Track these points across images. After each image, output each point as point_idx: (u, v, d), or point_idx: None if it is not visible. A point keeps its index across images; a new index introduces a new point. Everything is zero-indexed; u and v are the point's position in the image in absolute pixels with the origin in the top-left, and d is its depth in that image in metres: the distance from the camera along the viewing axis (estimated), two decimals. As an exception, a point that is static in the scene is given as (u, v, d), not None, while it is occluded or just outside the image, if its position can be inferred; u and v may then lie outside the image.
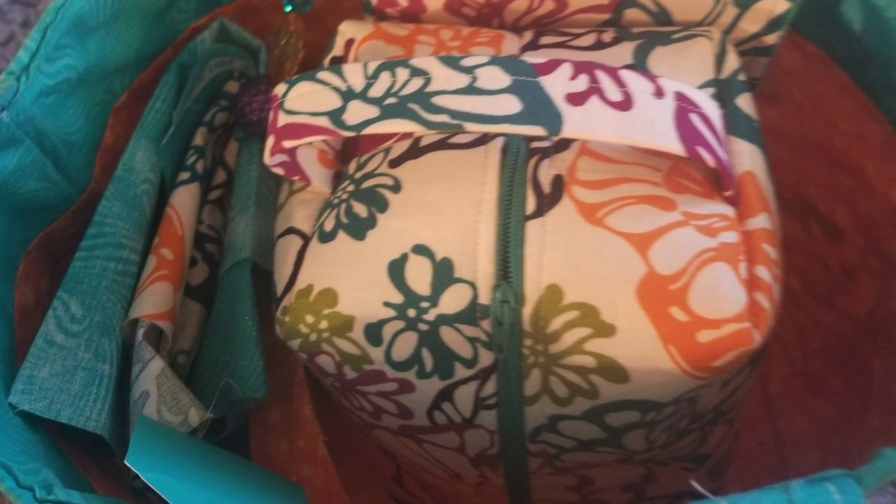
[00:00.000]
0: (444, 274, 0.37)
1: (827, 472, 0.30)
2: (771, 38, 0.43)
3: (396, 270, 0.37)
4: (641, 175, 0.38)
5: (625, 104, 0.36)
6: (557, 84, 0.36)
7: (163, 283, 0.45)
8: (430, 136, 0.40)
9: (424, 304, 0.37)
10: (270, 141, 0.39)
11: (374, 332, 0.38)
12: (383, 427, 0.44)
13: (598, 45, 0.42)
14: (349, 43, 0.45)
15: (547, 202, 0.37)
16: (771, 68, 0.46)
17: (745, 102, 0.41)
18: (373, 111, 0.37)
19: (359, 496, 0.58)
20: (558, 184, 0.37)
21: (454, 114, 0.36)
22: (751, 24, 0.43)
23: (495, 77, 0.36)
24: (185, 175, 0.49)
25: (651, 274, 0.36)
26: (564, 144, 0.39)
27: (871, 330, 0.50)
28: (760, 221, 0.38)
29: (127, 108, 0.50)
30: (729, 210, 0.38)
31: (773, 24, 0.43)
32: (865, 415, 0.49)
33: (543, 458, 0.43)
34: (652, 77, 0.37)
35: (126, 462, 0.34)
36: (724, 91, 0.41)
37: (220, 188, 0.51)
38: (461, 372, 0.39)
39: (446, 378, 0.39)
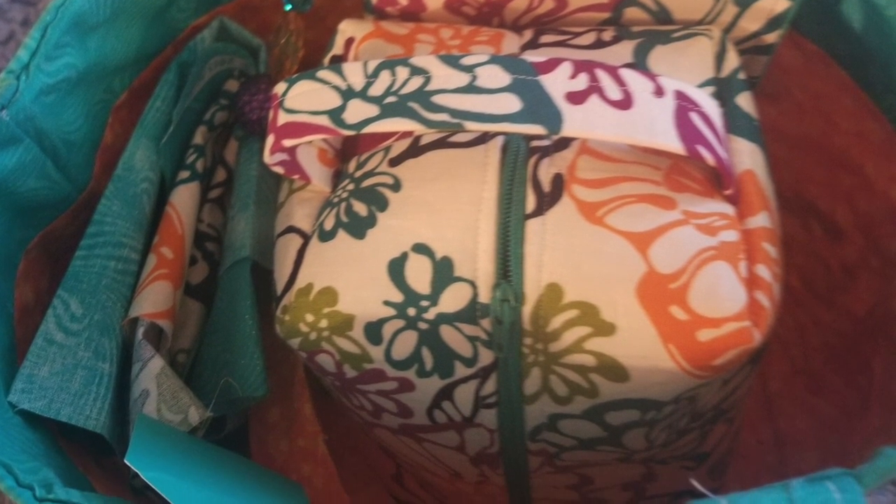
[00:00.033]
0: (443, 273, 0.37)
1: (827, 471, 0.30)
2: (771, 37, 0.43)
3: (396, 269, 0.37)
4: (641, 174, 0.38)
5: (625, 103, 0.36)
6: (557, 83, 0.36)
7: (163, 281, 0.45)
8: (429, 135, 0.40)
9: (424, 303, 0.37)
10: (270, 139, 0.39)
11: (373, 330, 0.38)
12: (383, 426, 0.44)
13: (598, 44, 0.42)
14: (349, 42, 0.45)
15: (547, 201, 0.37)
16: (771, 67, 0.46)
17: (745, 101, 0.41)
18: (373, 110, 0.37)
19: (359, 495, 0.58)
20: (558, 182, 0.37)
21: (454, 112, 0.36)
22: (751, 23, 0.43)
23: (495, 76, 0.36)
24: (184, 174, 0.49)
25: (651, 273, 0.36)
26: (564, 143, 0.39)
27: (871, 328, 0.50)
28: (760, 220, 0.38)
29: (127, 107, 0.50)
30: (729, 209, 0.38)
31: (773, 23, 0.43)
32: (865, 413, 0.49)
33: (543, 456, 0.43)
34: (652, 76, 0.37)
35: (126, 461, 0.34)
36: (724, 90, 0.41)
37: (219, 187, 0.51)
38: (461, 371, 0.39)
39: (446, 377, 0.39)
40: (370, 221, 0.38)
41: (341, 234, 0.39)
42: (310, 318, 0.38)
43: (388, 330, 0.38)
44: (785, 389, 0.59)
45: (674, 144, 0.36)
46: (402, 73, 0.37)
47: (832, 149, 0.50)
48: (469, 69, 0.37)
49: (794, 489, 0.29)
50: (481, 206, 0.37)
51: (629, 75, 0.37)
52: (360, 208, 0.39)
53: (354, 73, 0.38)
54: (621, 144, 0.39)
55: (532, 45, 0.43)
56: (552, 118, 0.35)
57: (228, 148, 0.52)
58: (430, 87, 0.37)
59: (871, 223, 0.49)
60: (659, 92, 0.37)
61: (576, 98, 0.36)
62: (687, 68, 0.41)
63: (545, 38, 0.43)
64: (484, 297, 0.36)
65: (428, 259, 0.37)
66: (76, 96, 0.46)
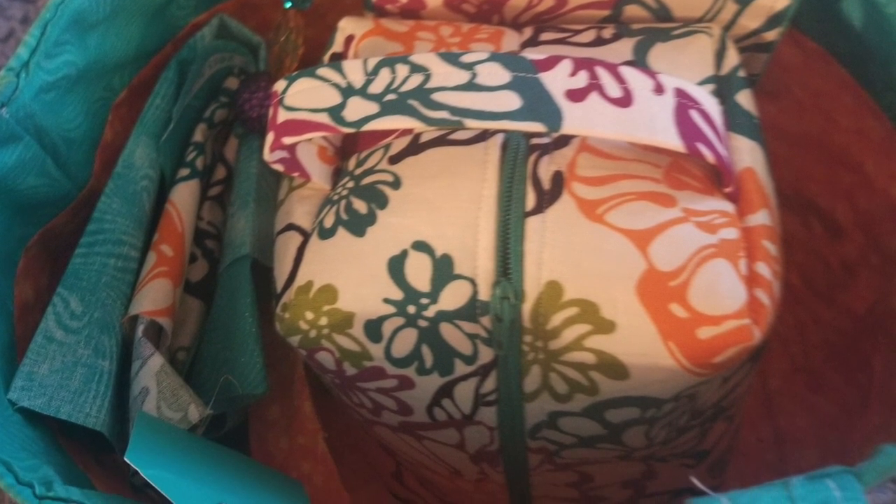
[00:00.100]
0: (443, 270, 0.37)
1: (827, 469, 0.30)
2: (771, 35, 0.43)
3: (396, 267, 0.37)
4: (641, 171, 0.38)
5: (625, 100, 0.36)
6: (557, 80, 0.36)
7: (162, 279, 0.45)
8: (429, 133, 0.40)
9: (424, 301, 0.37)
10: (270, 137, 0.39)
11: (373, 328, 0.38)
12: (383, 423, 0.44)
13: (598, 42, 0.42)
14: (349, 39, 0.45)
15: (547, 199, 0.37)
16: (771, 65, 0.46)
17: (744, 99, 0.41)
18: (372, 107, 0.37)
19: (358, 493, 0.58)
20: (558, 180, 0.37)
21: (454, 110, 0.36)
22: (751, 21, 0.43)
23: (495, 73, 0.36)
24: (184, 171, 0.49)
25: (651, 270, 0.36)
26: (564, 141, 0.39)
27: (871, 326, 0.50)
28: (760, 218, 0.38)
29: (126, 105, 0.50)
30: (729, 206, 0.38)
31: (773, 21, 0.43)
32: (865, 411, 0.49)
33: (543, 454, 0.43)
34: (652, 73, 0.37)
35: (126, 459, 0.34)
36: (724, 87, 0.41)
37: (219, 185, 0.51)
38: (461, 368, 0.39)
39: (446, 375, 0.39)
40: (370, 219, 0.38)
41: (341, 232, 0.39)
42: (310, 315, 0.38)
43: (387, 328, 0.38)
44: (785, 387, 0.60)
45: (674, 142, 0.36)
46: (402, 70, 0.37)
47: (832, 146, 0.50)
48: (469, 67, 0.37)
49: (794, 487, 0.29)
50: (481, 203, 0.37)
51: (629, 73, 0.37)
52: (360, 206, 0.39)
53: (354, 71, 0.38)
54: (621, 142, 0.39)
55: (532, 42, 0.43)
56: (552, 116, 0.35)
57: (228, 145, 0.52)
58: (429, 85, 0.37)
59: (871, 221, 0.49)
60: (659, 89, 0.37)
61: (576, 96, 0.36)
62: (687, 66, 0.41)
63: (545, 36, 0.43)
64: (484, 294, 0.36)
65: (428, 257, 0.37)
66: (76, 94, 0.46)
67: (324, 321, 0.38)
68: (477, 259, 0.37)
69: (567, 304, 0.36)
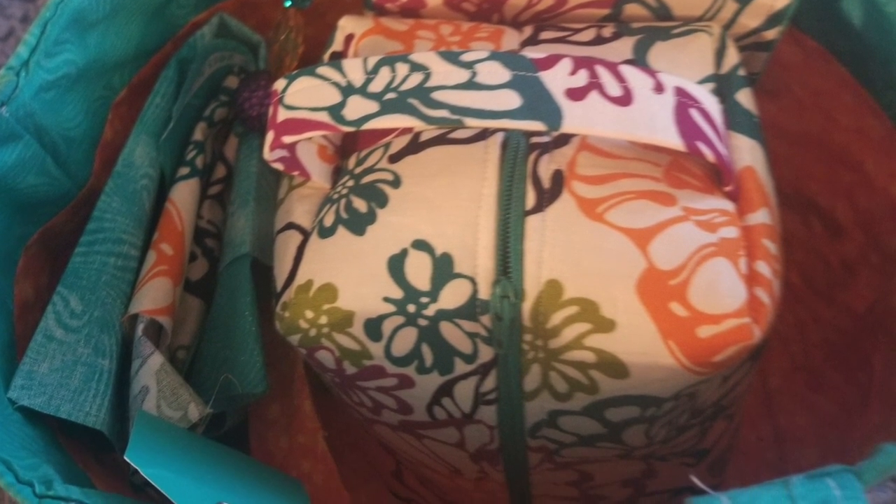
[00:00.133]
0: (443, 269, 0.37)
1: (827, 468, 0.30)
2: (771, 34, 0.43)
3: (396, 266, 0.37)
4: (641, 170, 0.38)
5: (624, 99, 0.36)
6: (557, 79, 0.36)
7: (162, 278, 0.45)
8: (429, 132, 0.40)
9: (424, 300, 0.37)
10: (270, 136, 0.39)
11: (373, 327, 0.38)
12: (383, 422, 0.44)
13: (598, 41, 0.42)
14: (349, 38, 0.45)
15: (547, 197, 0.37)
16: (771, 63, 0.46)
17: (744, 97, 0.41)
18: (372, 106, 0.37)
19: (358, 491, 0.59)
20: (558, 179, 0.37)
21: (454, 109, 0.36)
22: (751, 20, 0.43)
23: (495, 72, 0.36)
24: (184, 170, 0.49)
25: (651, 269, 0.36)
26: (564, 140, 0.39)
27: (871, 325, 0.50)
28: (760, 217, 0.38)
29: (126, 104, 0.50)
30: (729, 205, 0.38)
31: (773, 20, 0.43)
32: (865, 410, 0.49)
33: (543, 453, 0.43)
34: (652, 72, 0.37)
35: (126, 457, 0.34)
36: (723, 86, 0.41)
37: (219, 183, 0.51)
38: (461, 367, 0.39)
39: (446, 373, 0.39)
40: (370, 218, 0.38)
41: (341, 231, 0.39)
42: (309, 314, 0.38)
43: (387, 326, 0.38)
44: (785, 386, 0.60)
45: (674, 141, 0.36)
46: (402, 69, 0.37)
47: (832, 145, 0.50)
48: (469, 65, 0.37)
49: (794, 486, 0.29)
50: (481, 202, 0.37)
51: (629, 72, 0.37)
52: (360, 205, 0.39)
53: (354, 70, 0.38)
54: (621, 141, 0.39)
55: (532, 41, 0.43)
56: (552, 115, 0.35)
57: (228, 144, 0.52)
58: (429, 84, 0.37)
59: (871, 220, 0.49)
60: (659, 88, 0.36)
61: (576, 94, 0.36)
62: (687, 65, 0.41)
63: (545, 35, 0.43)
64: (484, 293, 0.36)
65: (428, 255, 0.37)
66: (76, 93, 0.46)
67: (324, 320, 0.38)
68: (477, 258, 0.37)
69: (567, 303, 0.36)
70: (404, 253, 0.37)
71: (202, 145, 0.50)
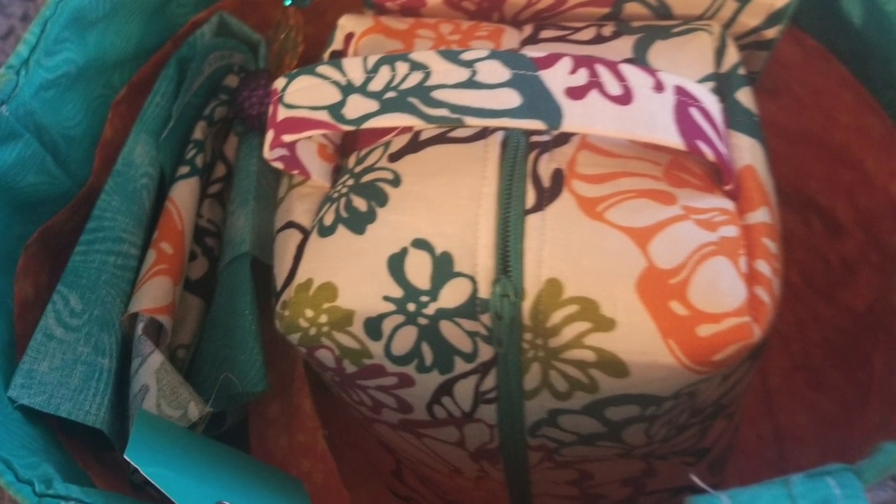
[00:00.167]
0: (443, 268, 0.37)
1: (827, 467, 0.30)
2: (771, 32, 0.43)
3: (396, 264, 0.37)
4: (641, 169, 0.38)
5: (624, 98, 0.36)
6: (557, 78, 0.36)
7: (162, 277, 0.45)
8: (429, 131, 0.40)
9: (424, 299, 0.37)
10: (270, 135, 0.39)
11: (373, 326, 0.38)
12: (383, 421, 0.44)
13: (598, 39, 0.42)
14: (349, 37, 0.45)
15: (547, 196, 0.37)
16: (771, 62, 0.46)
17: (744, 96, 0.41)
18: (372, 105, 0.37)
19: (358, 490, 0.59)
20: (558, 178, 0.37)
21: (454, 108, 0.36)
22: (751, 18, 0.43)
23: (495, 71, 0.36)
24: (184, 169, 0.49)
25: (651, 268, 0.36)
26: (564, 138, 0.39)
27: (871, 324, 0.50)
28: (760, 215, 0.38)
29: (126, 103, 0.50)
30: (729, 204, 0.38)
31: (773, 18, 0.43)
32: (865, 409, 0.49)
33: (543, 452, 0.43)
34: (652, 71, 0.37)
35: (125, 456, 0.34)
36: (723, 85, 0.41)
37: (219, 182, 0.51)
38: (461, 366, 0.39)
39: (446, 372, 0.39)
40: (370, 217, 0.38)
41: (341, 230, 0.39)
42: (309, 313, 0.38)
43: (387, 325, 0.38)
44: (785, 385, 0.60)
45: (674, 140, 0.35)
46: (402, 68, 0.37)
47: (832, 144, 0.50)
48: (469, 64, 0.37)
49: (794, 485, 0.29)
50: (481, 201, 0.37)
51: (629, 70, 0.37)
52: (360, 203, 0.39)
53: (354, 69, 0.38)
54: (621, 140, 0.38)
55: (532, 40, 0.43)
56: (552, 113, 0.35)
57: (228, 143, 0.52)
58: (429, 83, 0.37)
59: (871, 218, 0.49)
60: (659, 87, 0.36)
61: (575, 93, 0.36)
62: (687, 63, 0.41)
63: (545, 34, 0.43)
64: (484, 292, 0.36)
65: (427, 254, 0.37)
66: (76, 91, 0.46)
67: (323, 319, 0.38)
68: (477, 257, 0.37)
69: (567, 302, 0.36)
70: (404, 252, 0.37)
71: (202, 144, 0.50)
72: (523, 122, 0.35)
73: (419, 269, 0.37)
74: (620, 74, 0.36)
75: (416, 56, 0.38)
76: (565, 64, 0.37)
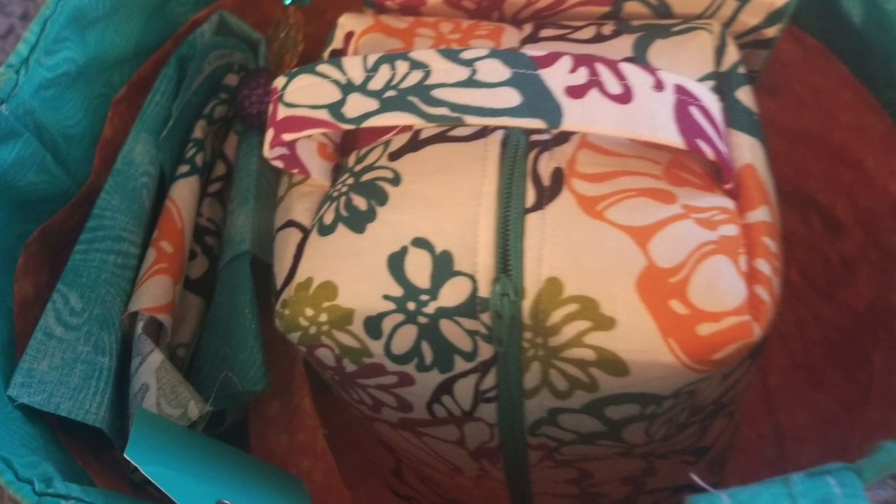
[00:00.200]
0: (443, 267, 0.37)
1: (827, 466, 0.30)
2: (771, 31, 0.43)
3: (396, 263, 0.37)
4: (641, 168, 0.38)
5: (624, 97, 0.36)
6: (557, 77, 0.36)
7: (162, 276, 0.45)
8: (429, 129, 0.40)
9: (424, 297, 0.37)
10: (270, 134, 0.39)
11: (373, 325, 0.38)
12: (383, 420, 0.44)
13: (598, 38, 0.42)
14: (349, 36, 0.45)
15: (547, 195, 0.37)
16: (771, 61, 0.46)
17: (744, 95, 0.41)
18: (372, 104, 0.37)
19: (358, 489, 0.58)
20: (558, 177, 0.37)
21: (454, 107, 0.36)
22: (751, 17, 0.43)
23: (495, 70, 0.36)
24: (184, 168, 0.49)
25: (651, 267, 0.36)
26: (564, 137, 0.39)
27: (871, 323, 0.50)
28: (760, 214, 0.38)
29: (126, 101, 0.50)
30: (729, 203, 0.38)
31: (773, 17, 0.43)
32: (865, 408, 0.49)
33: (543, 451, 0.43)
34: (652, 70, 0.37)
35: (125, 455, 0.34)
36: (723, 84, 0.41)
37: (219, 181, 0.51)
38: (461, 365, 0.39)
39: (446, 371, 0.39)
40: (370, 216, 0.38)
41: (341, 229, 0.39)
42: (309, 312, 0.38)
43: (387, 324, 0.38)
44: (785, 384, 0.60)
45: (674, 138, 0.35)
46: (402, 67, 0.37)
47: (832, 143, 0.50)
48: (469, 63, 0.37)
49: (794, 484, 0.29)
50: (481, 200, 0.37)
51: (629, 69, 0.37)
52: (360, 202, 0.39)
53: (354, 68, 0.38)
54: (621, 139, 0.38)
55: (532, 39, 0.43)
56: (552, 112, 0.35)
57: (228, 142, 0.52)
58: (429, 82, 0.37)
59: (871, 217, 0.49)
60: (659, 86, 0.36)
61: (575, 92, 0.36)
62: (687, 62, 0.41)
63: (545, 32, 0.43)
64: (484, 291, 0.36)
65: (427, 253, 0.37)
66: (76, 90, 0.46)
67: (323, 318, 0.38)
68: (477, 256, 0.37)
69: (567, 301, 0.36)
70: (404, 251, 0.37)
71: (202, 143, 0.50)
72: (523, 121, 0.35)
73: (419, 268, 0.37)
74: (620, 73, 0.36)
75: (416, 55, 0.38)
76: (565, 63, 0.37)
